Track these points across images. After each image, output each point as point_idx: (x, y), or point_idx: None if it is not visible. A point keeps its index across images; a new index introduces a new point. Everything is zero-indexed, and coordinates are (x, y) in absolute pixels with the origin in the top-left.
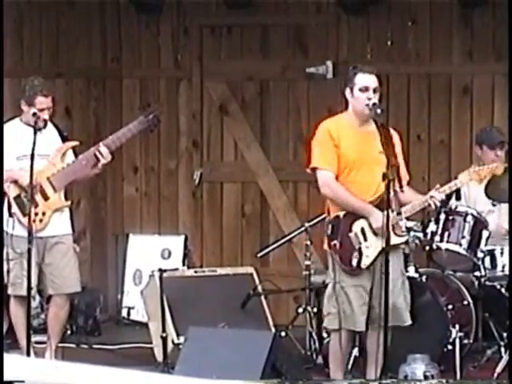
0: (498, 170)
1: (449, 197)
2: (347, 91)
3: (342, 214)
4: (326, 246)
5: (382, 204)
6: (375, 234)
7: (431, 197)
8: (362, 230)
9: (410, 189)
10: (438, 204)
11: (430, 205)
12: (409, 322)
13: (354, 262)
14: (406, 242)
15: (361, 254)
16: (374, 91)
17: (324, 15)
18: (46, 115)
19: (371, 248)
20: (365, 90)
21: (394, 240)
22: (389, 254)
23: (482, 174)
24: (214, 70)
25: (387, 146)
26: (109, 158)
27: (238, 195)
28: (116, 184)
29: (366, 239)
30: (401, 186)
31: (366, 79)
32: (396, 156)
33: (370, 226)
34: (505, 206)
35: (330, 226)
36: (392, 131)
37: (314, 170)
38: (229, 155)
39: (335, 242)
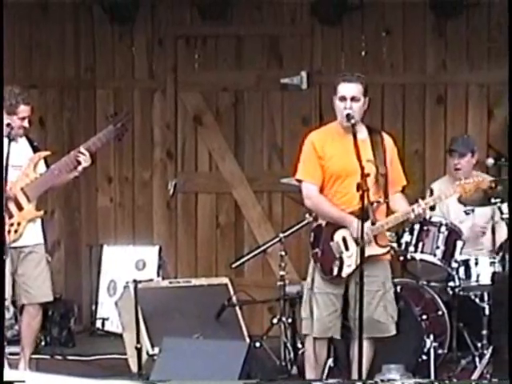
0: (483, 183)
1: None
2: (334, 99)
3: (324, 222)
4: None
5: (365, 214)
6: (357, 243)
7: (413, 210)
8: (344, 239)
9: (402, 197)
10: (421, 217)
11: (409, 218)
12: (389, 333)
13: (335, 271)
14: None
15: (342, 262)
16: (353, 100)
17: (298, 26)
18: (26, 123)
19: (353, 257)
20: (342, 99)
21: (376, 250)
22: (363, 264)
23: (467, 188)
24: (188, 81)
25: (377, 153)
26: (89, 161)
27: (213, 206)
28: (90, 194)
29: (347, 248)
30: (386, 196)
31: (343, 88)
32: (385, 163)
33: (352, 235)
34: (478, 213)
35: (312, 235)
36: (385, 136)
37: (298, 181)
38: (203, 166)
39: (317, 250)
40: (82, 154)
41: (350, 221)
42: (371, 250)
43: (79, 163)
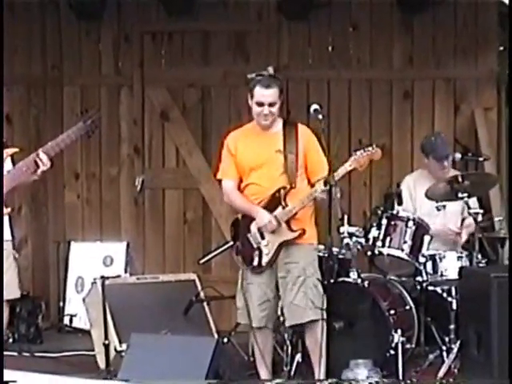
0: (376, 155)
1: (392, 202)
2: (249, 98)
3: (240, 215)
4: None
5: (273, 202)
6: (272, 232)
7: (318, 181)
8: (259, 230)
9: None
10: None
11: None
12: (308, 318)
13: (256, 262)
14: (347, 246)
15: (260, 252)
16: (270, 105)
17: (265, 21)
18: None
19: (269, 245)
20: (260, 105)
21: (288, 235)
22: (288, 250)
23: (362, 161)
24: (154, 77)
25: (288, 143)
26: (48, 165)
27: (180, 202)
28: (57, 191)
29: (263, 237)
30: (295, 182)
31: (260, 95)
32: (297, 152)
33: (258, 227)
34: (450, 210)
35: (232, 229)
36: (300, 127)
37: (219, 180)
38: (170, 161)
39: (238, 243)
40: (40, 158)
41: (255, 211)
42: (283, 235)
43: (37, 166)
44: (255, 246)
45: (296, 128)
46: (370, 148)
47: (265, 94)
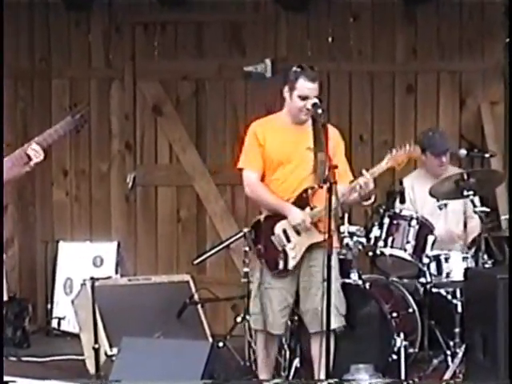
0: (415, 153)
1: (393, 200)
2: (286, 90)
3: (262, 217)
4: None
5: (301, 202)
6: (298, 233)
7: (357, 183)
8: (284, 232)
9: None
10: (367, 187)
11: (355, 190)
12: (334, 325)
13: (281, 265)
14: (347, 246)
15: (286, 255)
16: (316, 99)
17: (262, 11)
18: None
19: (296, 248)
20: (304, 98)
21: (317, 237)
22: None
23: (399, 159)
24: (147, 70)
25: (318, 141)
26: (42, 156)
27: (173, 199)
28: (45, 188)
29: (289, 240)
30: (324, 182)
31: (307, 88)
32: (327, 151)
33: (293, 226)
34: (451, 210)
35: (252, 232)
36: (331, 128)
37: (240, 170)
38: (163, 158)
39: (259, 246)
40: (33, 149)
41: (288, 209)
42: (312, 237)
43: (30, 158)
44: (280, 248)
45: (326, 128)
46: (407, 146)
47: (310, 87)
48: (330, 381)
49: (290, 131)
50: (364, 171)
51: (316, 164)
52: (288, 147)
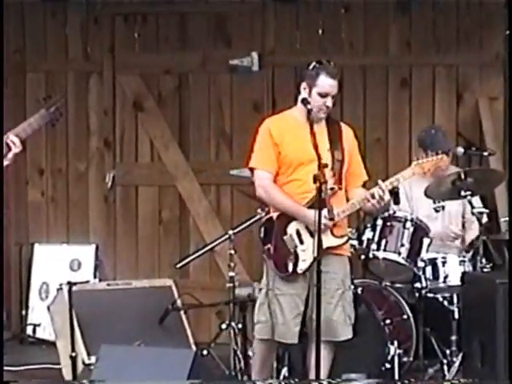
0: (442, 161)
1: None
2: (303, 86)
3: (275, 215)
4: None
5: (320, 203)
6: (312, 235)
7: (372, 194)
8: (298, 232)
9: (362, 190)
10: (381, 203)
11: (368, 200)
12: (345, 336)
13: (290, 267)
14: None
15: (297, 257)
16: (332, 97)
17: (248, 1)
18: None
19: (308, 251)
20: (324, 95)
21: (332, 242)
22: (321, 262)
23: (426, 167)
24: (127, 63)
25: (334, 141)
26: (20, 148)
27: (155, 200)
28: (19, 188)
29: (301, 242)
30: (341, 183)
31: (328, 85)
32: (343, 150)
33: (306, 227)
34: (449, 211)
35: (262, 229)
36: (344, 126)
37: (251, 170)
38: (144, 156)
39: (269, 245)
40: (11, 140)
41: (304, 213)
42: (328, 241)
43: (9, 149)
44: (291, 250)
45: (339, 126)
46: (434, 157)
47: (332, 83)
48: (323, 381)
49: (306, 130)
50: (380, 182)
51: (333, 164)
52: (309, 146)
